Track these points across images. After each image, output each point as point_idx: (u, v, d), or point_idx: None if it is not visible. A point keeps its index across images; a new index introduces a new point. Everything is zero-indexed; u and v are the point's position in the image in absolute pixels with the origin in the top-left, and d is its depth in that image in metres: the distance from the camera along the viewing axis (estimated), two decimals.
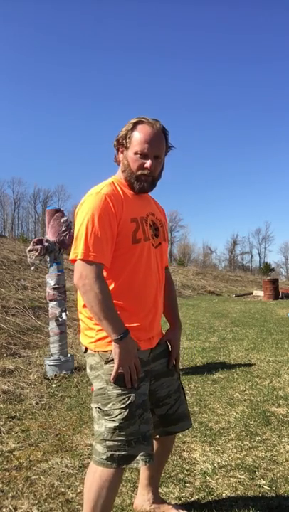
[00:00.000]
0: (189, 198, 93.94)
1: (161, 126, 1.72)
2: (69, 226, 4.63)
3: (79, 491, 2.21)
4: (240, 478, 2.33)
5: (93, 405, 1.69)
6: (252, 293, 17.17)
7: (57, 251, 4.67)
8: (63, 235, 4.60)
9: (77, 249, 1.60)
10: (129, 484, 2.26)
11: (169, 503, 2.03)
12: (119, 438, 1.61)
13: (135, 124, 1.70)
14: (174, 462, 2.52)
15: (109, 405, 1.62)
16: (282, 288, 16.35)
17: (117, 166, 1.80)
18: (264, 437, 2.87)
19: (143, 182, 1.71)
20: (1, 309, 6.91)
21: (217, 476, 2.35)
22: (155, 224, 1.80)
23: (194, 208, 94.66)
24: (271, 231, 77.89)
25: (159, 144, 1.70)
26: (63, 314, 4.67)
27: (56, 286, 4.67)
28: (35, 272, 9.89)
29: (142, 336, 1.70)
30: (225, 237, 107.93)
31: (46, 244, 4.55)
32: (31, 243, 4.64)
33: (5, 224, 55.94)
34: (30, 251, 4.54)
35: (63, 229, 4.62)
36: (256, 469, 2.43)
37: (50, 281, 4.69)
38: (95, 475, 1.65)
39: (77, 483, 2.30)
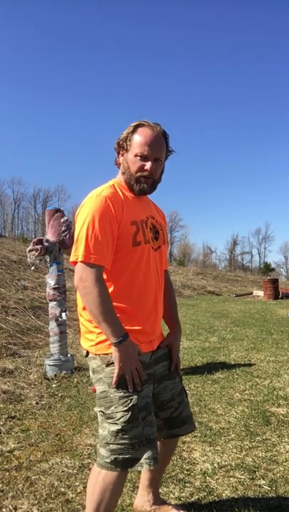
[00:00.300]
0: (189, 198, 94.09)
1: (162, 130, 1.73)
2: (69, 226, 4.63)
3: (79, 491, 2.22)
4: (240, 478, 2.33)
5: (96, 409, 1.69)
6: (252, 293, 17.18)
7: (57, 251, 4.67)
8: (63, 235, 4.60)
9: (77, 252, 1.60)
10: (129, 484, 2.26)
11: (169, 504, 2.03)
12: (123, 441, 1.60)
13: (136, 127, 1.71)
14: (174, 462, 2.52)
15: (112, 408, 1.62)
16: (282, 288, 16.36)
17: (117, 169, 1.80)
18: (264, 437, 2.87)
19: (143, 184, 1.72)
20: (1, 309, 6.91)
21: (217, 476, 2.36)
22: (155, 227, 1.80)
23: (194, 208, 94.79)
24: (271, 231, 78.12)
25: (159, 146, 1.70)
26: (63, 314, 4.67)
27: (56, 286, 4.67)
28: (35, 272, 9.89)
29: (142, 338, 1.70)
30: (225, 237, 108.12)
31: (46, 244, 4.55)
32: (31, 243, 4.64)
33: (5, 224, 55.97)
34: (30, 251, 4.54)
35: (63, 229, 4.62)
36: (256, 469, 2.43)
37: (50, 281, 4.70)
38: (99, 477, 1.64)
39: (77, 483, 2.30)
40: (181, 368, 4.64)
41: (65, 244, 4.60)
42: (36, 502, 2.13)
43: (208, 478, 2.34)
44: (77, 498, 2.15)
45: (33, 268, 5.00)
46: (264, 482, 2.29)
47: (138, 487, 2.09)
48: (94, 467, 1.70)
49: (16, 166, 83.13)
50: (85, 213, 1.62)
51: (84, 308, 1.67)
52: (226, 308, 11.54)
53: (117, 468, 1.62)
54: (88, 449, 2.72)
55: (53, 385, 4.15)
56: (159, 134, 1.71)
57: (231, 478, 2.33)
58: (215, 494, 2.18)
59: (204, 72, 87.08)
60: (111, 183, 1.76)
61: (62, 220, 4.67)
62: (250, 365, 4.93)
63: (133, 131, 1.71)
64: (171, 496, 2.18)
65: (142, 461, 1.62)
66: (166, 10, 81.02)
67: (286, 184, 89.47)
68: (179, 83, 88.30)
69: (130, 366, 1.59)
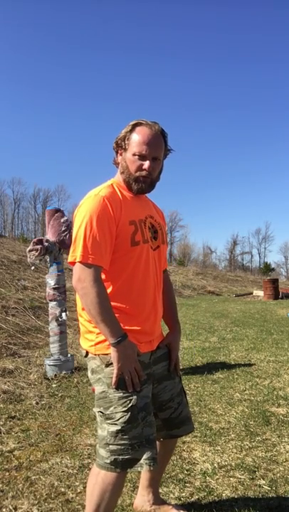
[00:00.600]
0: (189, 198, 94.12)
1: (160, 129, 1.72)
2: (69, 226, 4.62)
3: (79, 491, 2.22)
4: (240, 478, 2.33)
5: (95, 409, 1.68)
6: (252, 293, 17.17)
7: (57, 251, 4.67)
8: (63, 235, 4.60)
9: (75, 252, 1.60)
10: (129, 484, 2.26)
11: (169, 504, 2.03)
12: (123, 442, 1.60)
13: (134, 126, 1.71)
14: (174, 462, 2.52)
15: (111, 409, 1.61)
16: (282, 288, 16.35)
17: (116, 169, 1.80)
18: (264, 437, 2.87)
19: (141, 183, 1.71)
20: (1, 309, 6.91)
21: (217, 476, 2.35)
22: (154, 227, 1.79)
23: (194, 208, 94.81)
24: (271, 231, 78.05)
25: (157, 145, 1.70)
26: (63, 314, 4.67)
27: (56, 286, 4.67)
28: (35, 272, 9.89)
29: (142, 338, 1.69)
30: (225, 237, 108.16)
31: (46, 244, 4.55)
32: (31, 243, 4.64)
33: (5, 224, 55.99)
34: (30, 251, 4.54)
35: (63, 229, 4.62)
36: (256, 469, 2.43)
37: (50, 281, 4.70)
38: (98, 478, 1.64)
39: (77, 483, 2.30)
40: (181, 367, 4.64)
41: (65, 244, 4.59)
42: (36, 502, 2.13)
43: (208, 478, 2.34)
44: (77, 498, 2.15)
45: (33, 268, 5.00)
46: (264, 482, 2.29)
47: (138, 487, 2.08)
48: (93, 467, 1.69)
49: (16, 166, 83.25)
50: (83, 213, 1.62)
51: (83, 309, 1.66)
52: (226, 308, 11.54)
53: (116, 468, 1.61)
54: (88, 449, 2.72)
55: (53, 385, 4.15)
56: (158, 132, 1.70)
57: (231, 478, 2.33)
58: (215, 494, 2.18)
59: (204, 72, 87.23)
60: (109, 182, 1.76)
61: (62, 220, 4.67)
62: (250, 365, 4.93)
63: (131, 131, 1.70)
64: (171, 495, 2.18)
65: (142, 461, 1.61)
66: (166, 10, 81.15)
67: (286, 184, 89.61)
68: (179, 83, 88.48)
69: (129, 366, 1.59)
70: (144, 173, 1.69)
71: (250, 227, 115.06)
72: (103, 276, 1.62)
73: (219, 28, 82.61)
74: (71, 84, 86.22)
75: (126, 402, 1.60)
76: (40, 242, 4.57)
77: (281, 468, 2.44)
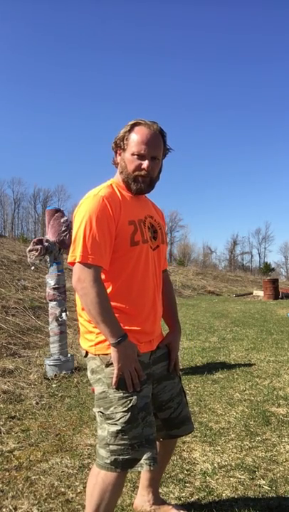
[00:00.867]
0: (189, 198, 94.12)
1: (159, 128, 1.72)
2: (69, 226, 4.62)
3: (79, 491, 2.22)
4: (240, 478, 2.33)
5: (95, 410, 1.68)
6: (252, 293, 17.17)
7: (57, 251, 4.67)
8: (63, 235, 4.60)
9: (75, 252, 1.59)
10: (129, 484, 2.26)
11: (169, 504, 2.03)
12: (123, 442, 1.60)
13: (132, 126, 1.70)
14: (174, 462, 2.52)
15: (111, 409, 1.61)
16: (282, 288, 16.35)
17: (115, 169, 1.80)
18: (264, 437, 2.87)
19: (140, 183, 1.71)
20: (1, 309, 6.91)
21: (217, 476, 2.35)
22: (153, 226, 1.79)
23: (194, 208, 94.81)
24: (271, 231, 78.10)
25: (156, 145, 1.70)
26: (63, 314, 4.67)
27: (56, 286, 4.67)
28: (35, 272, 9.89)
29: (142, 338, 1.69)
30: (225, 237, 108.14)
31: (46, 244, 4.55)
32: (31, 243, 4.64)
33: (5, 224, 56.00)
34: (30, 251, 4.54)
35: (63, 229, 4.62)
36: (256, 469, 2.43)
37: (50, 281, 4.70)
38: (98, 478, 1.64)
39: (77, 483, 2.30)
40: (181, 367, 4.64)
41: (65, 244, 4.59)
42: (36, 502, 2.13)
43: (208, 478, 2.34)
44: (77, 498, 2.15)
45: (33, 268, 5.00)
46: (264, 482, 2.29)
47: (138, 487, 2.08)
48: (93, 468, 1.69)
49: (16, 166, 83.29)
50: (82, 213, 1.62)
51: (83, 309, 1.66)
52: (226, 308, 11.54)
53: (116, 468, 1.61)
54: (88, 449, 2.72)
55: (53, 385, 4.15)
56: (156, 132, 1.70)
57: (231, 478, 2.33)
58: (215, 494, 2.18)
59: (204, 72, 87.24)
60: (109, 182, 1.76)
61: (62, 220, 4.67)
62: (250, 365, 4.93)
63: (130, 130, 1.70)
64: (171, 495, 2.18)
65: (142, 461, 1.61)
66: (166, 10, 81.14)
67: (286, 184, 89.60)
68: (179, 83, 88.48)
69: (129, 366, 1.59)
70: (143, 172, 1.69)
71: (250, 227, 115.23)
72: (103, 276, 1.62)
73: (219, 28, 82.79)
74: (70, 84, 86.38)
75: (126, 402, 1.60)
76: (40, 242, 4.57)
77: (281, 468, 2.44)
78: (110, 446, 1.61)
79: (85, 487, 2.06)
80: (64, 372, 4.47)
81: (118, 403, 1.60)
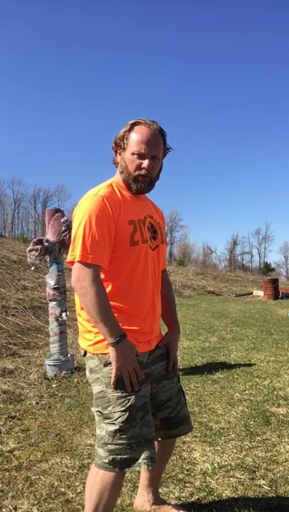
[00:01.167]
0: (189, 197, 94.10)
1: (159, 127, 1.72)
2: (69, 226, 4.62)
3: (79, 491, 2.22)
4: (240, 478, 2.33)
5: (94, 409, 1.68)
6: (252, 293, 17.17)
7: (57, 251, 4.67)
8: (63, 235, 4.60)
9: (74, 252, 1.59)
10: (129, 484, 2.26)
11: (169, 504, 2.03)
12: (121, 441, 1.60)
13: (132, 126, 1.70)
14: (174, 462, 2.52)
15: (109, 408, 1.61)
16: (282, 288, 16.34)
17: (116, 168, 1.80)
18: (264, 437, 2.87)
19: (140, 183, 1.71)
20: (1, 309, 6.91)
21: (217, 476, 2.35)
22: (153, 226, 1.79)
23: (194, 207, 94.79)
24: (271, 231, 77.99)
25: (156, 144, 1.70)
26: (63, 314, 4.67)
27: (56, 286, 4.67)
28: (35, 272, 9.89)
29: (140, 338, 1.69)
30: (225, 237, 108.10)
31: (46, 244, 4.55)
32: (31, 243, 4.64)
33: (5, 224, 55.99)
34: (30, 251, 4.54)
35: (63, 229, 4.62)
36: (256, 469, 2.43)
37: (50, 281, 4.70)
38: (97, 478, 1.64)
39: (77, 483, 2.30)
40: (181, 367, 4.64)
41: (65, 244, 4.59)
42: (36, 502, 2.13)
43: (208, 478, 2.34)
44: (77, 498, 2.15)
45: (33, 268, 5.00)
46: (264, 482, 2.29)
47: (138, 487, 2.08)
48: (92, 467, 1.70)
49: (16, 166, 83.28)
50: (82, 213, 1.62)
51: (82, 308, 1.66)
52: (226, 308, 11.54)
53: (115, 468, 1.61)
54: (88, 449, 2.72)
55: (53, 385, 4.15)
56: (156, 131, 1.70)
57: (231, 478, 2.33)
58: (215, 494, 2.18)
59: (204, 72, 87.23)
60: (109, 182, 1.76)
61: (62, 220, 4.67)
62: (250, 365, 4.93)
63: (130, 130, 1.70)
64: (171, 495, 2.18)
65: (140, 461, 1.61)
66: (166, 10, 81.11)
67: (286, 184, 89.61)
68: (179, 83, 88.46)
69: (128, 366, 1.59)
70: (143, 171, 1.68)
71: (250, 227, 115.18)
72: (102, 275, 1.62)
73: (219, 28, 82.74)
74: (71, 84, 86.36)
75: (124, 401, 1.60)
76: (40, 242, 4.57)
77: (281, 468, 2.44)
78: (108, 446, 1.61)
79: (84, 487, 2.06)
80: (64, 372, 4.47)
81: (116, 403, 1.60)
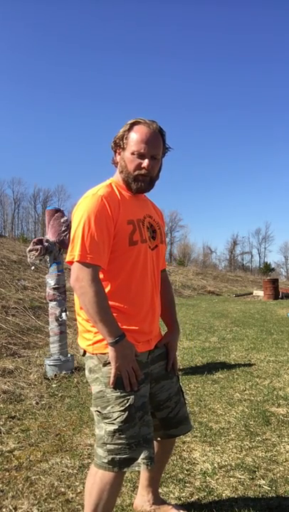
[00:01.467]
0: (189, 197, 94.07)
1: (158, 127, 1.72)
2: (69, 226, 4.62)
3: (79, 491, 2.22)
4: (240, 478, 2.33)
5: (93, 409, 1.68)
6: (252, 293, 17.17)
7: (57, 251, 4.67)
8: (63, 235, 4.60)
9: (73, 252, 1.59)
10: (129, 484, 2.26)
11: (169, 504, 2.03)
12: (120, 441, 1.60)
13: (132, 125, 1.70)
14: (174, 462, 2.52)
15: (108, 408, 1.61)
16: (282, 288, 16.34)
17: (115, 168, 1.79)
18: (264, 437, 2.87)
19: (140, 182, 1.71)
20: (1, 309, 6.91)
21: (217, 476, 2.35)
22: (152, 226, 1.79)
23: (194, 207, 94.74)
24: (271, 231, 77.96)
25: (155, 143, 1.69)
26: (63, 314, 4.67)
27: (56, 286, 4.67)
28: (35, 272, 9.90)
29: (140, 338, 1.69)
30: (225, 237, 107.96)
31: (46, 244, 4.55)
32: (31, 243, 4.64)
33: (5, 224, 55.98)
34: (30, 251, 4.54)
35: (63, 229, 4.62)
36: (256, 469, 2.43)
37: (50, 281, 4.70)
38: (96, 478, 1.64)
39: (77, 483, 2.30)
40: (181, 367, 4.64)
41: (65, 244, 4.59)
42: (36, 502, 2.13)
43: (208, 478, 2.34)
44: (77, 498, 2.15)
45: (33, 268, 5.00)
46: (264, 482, 2.29)
47: (138, 487, 2.08)
48: (91, 467, 1.70)
49: (16, 166, 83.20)
50: (81, 213, 1.62)
51: (81, 308, 1.66)
52: (226, 308, 11.53)
53: (114, 468, 1.61)
54: (88, 449, 2.72)
55: (53, 385, 4.15)
56: (156, 131, 1.70)
57: (231, 478, 2.33)
58: (215, 494, 2.18)
59: (204, 72, 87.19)
60: (108, 182, 1.75)
61: (62, 220, 4.67)
62: (250, 365, 4.93)
63: (129, 129, 1.70)
64: (171, 495, 2.18)
65: (139, 461, 1.61)
66: (166, 10, 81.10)
67: (286, 184, 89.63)
68: (179, 83, 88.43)
69: (127, 366, 1.59)
70: (143, 171, 1.68)
71: (250, 227, 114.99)
72: (101, 275, 1.62)
73: (219, 28, 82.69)
74: (71, 84, 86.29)
75: (123, 401, 1.60)
76: (40, 242, 4.57)
77: (281, 468, 2.44)
78: (108, 446, 1.61)
79: (84, 487, 2.06)
80: (64, 372, 4.47)
81: (115, 402, 1.60)
